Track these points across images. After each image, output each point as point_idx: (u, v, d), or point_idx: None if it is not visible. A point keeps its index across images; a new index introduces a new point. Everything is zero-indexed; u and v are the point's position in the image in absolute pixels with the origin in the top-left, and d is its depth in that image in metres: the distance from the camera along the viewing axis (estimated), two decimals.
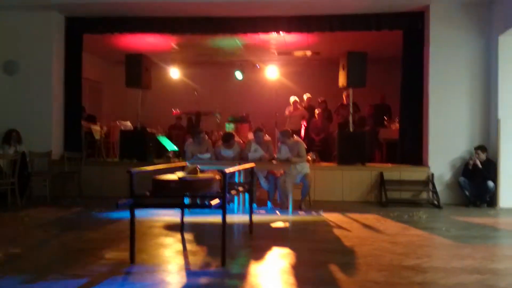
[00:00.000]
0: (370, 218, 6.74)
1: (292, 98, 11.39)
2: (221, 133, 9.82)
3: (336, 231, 5.84)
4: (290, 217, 6.80)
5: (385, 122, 10.54)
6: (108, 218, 6.57)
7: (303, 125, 11.46)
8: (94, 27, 9.33)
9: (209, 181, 4.48)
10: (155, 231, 5.73)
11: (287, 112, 11.40)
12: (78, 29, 9.37)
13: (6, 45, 8.96)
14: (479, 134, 8.27)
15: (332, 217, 6.79)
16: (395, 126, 9.84)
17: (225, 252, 4.17)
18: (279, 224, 6.36)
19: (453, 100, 8.33)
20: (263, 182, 7.69)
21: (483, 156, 7.88)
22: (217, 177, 4.49)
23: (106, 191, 8.55)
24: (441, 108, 8.35)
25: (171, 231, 5.73)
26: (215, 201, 4.06)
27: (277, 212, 7.17)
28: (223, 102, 13.00)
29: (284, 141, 7.50)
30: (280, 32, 9.33)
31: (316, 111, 11.35)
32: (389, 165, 8.97)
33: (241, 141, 8.24)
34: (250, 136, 8.12)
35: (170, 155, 9.83)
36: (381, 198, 8.19)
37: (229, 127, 10.69)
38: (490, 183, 7.75)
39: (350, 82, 8.66)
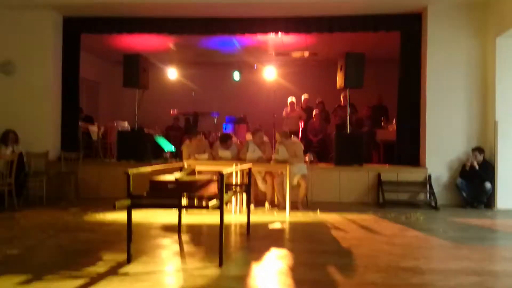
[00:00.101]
0: (368, 219, 6.75)
1: (289, 99, 11.40)
2: (219, 133, 9.83)
3: (334, 232, 5.84)
4: (288, 218, 6.79)
5: (383, 123, 10.55)
6: (105, 219, 6.55)
7: (300, 126, 11.47)
8: (91, 27, 9.31)
9: (207, 182, 4.48)
10: (152, 232, 5.72)
11: (284, 113, 11.41)
12: (75, 29, 9.34)
13: (3, 45, 8.92)
14: (476, 135, 8.28)
15: (330, 218, 6.79)
16: (393, 127, 9.85)
17: (222, 253, 4.17)
18: (277, 225, 6.35)
19: (450, 101, 8.34)
20: (260, 183, 7.69)
21: (480, 157, 7.89)
22: (215, 178, 4.49)
23: (103, 191, 8.53)
24: (439, 109, 8.36)
25: (168, 232, 5.72)
26: (213, 202, 4.06)
27: (275, 213, 7.16)
28: (221, 103, 13.02)
29: (282, 141, 7.50)
30: (278, 33, 9.34)
31: (314, 112, 11.36)
32: (387, 166, 8.97)
33: (239, 142, 8.24)
34: (248, 136, 8.12)
35: (167, 155, 9.83)
36: (379, 199, 8.19)
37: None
38: (488, 185, 7.76)
39: (347, 83, 8.66)
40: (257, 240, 5.43)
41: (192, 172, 4.98)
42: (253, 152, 7.54)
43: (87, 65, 11.02)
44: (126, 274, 3.95)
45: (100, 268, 4.12)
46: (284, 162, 7.26)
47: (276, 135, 7.71)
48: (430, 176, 8.26)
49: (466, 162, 7.98)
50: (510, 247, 5.35)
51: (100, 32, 9.52)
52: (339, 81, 8.92)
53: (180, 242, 5.24)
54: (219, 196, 4.16)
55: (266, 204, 7.62)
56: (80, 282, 3.72)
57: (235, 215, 6.95)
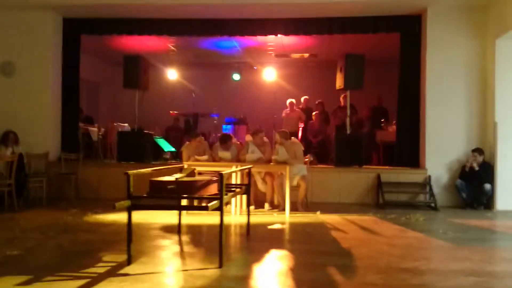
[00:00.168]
0: (368, 220, 6.75)
1: (289, 100, 11.41)
2: (219, 134, 9.83)
3: (333, 233, 5.84)
4: (288, 219, 6.79)
5: (382, 124, 10.55)
6: (105, 219, 6.55)
7: (300, 127, 11.47)
8: (91, 28, 9.32)
9: (206, 183, 4.48)
10: (152, 233, 5.72)
11: (283, 114, 11.42)
12: (75, 30, 9.35)
13: (3, 45, 8.93)
14: (476, 136, 8.29)
15: (330, 219, 6.79)
16: (392, 128, 9.85)
17: (222, 254, 4.17)
18: (276, 226, 6.35)
19: (450, 102, 8.35)
20: (260, 184, 7.69)
21: (480, 158, 7.90)
22: (214, 178, 4.49)
23: (103, 192, 8.53)
24: (438, 110, 8.36)
25: (168, 233, 5.72)
26: (212, 203, 4.06)
27: (274, 214, 7.16)
28: (221, 104, 13.02)
29: (282, 142, 7.50)
30: (278, 34, 9.35)
31: (314, 113, 11.36)
32: (386, 167, 8.98)
33: (239, 143, 8.24)
34: (248, 137, 8.13)
35: (167, 156, 9.83)
36: (378, 200, 8.20)
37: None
38: (487, 186, 7.77)
39: (347, 84, 8.67)
40: (257, 241, 5.43)
41: (192, 173, 4.98)
42: (253, 153, 7.54)
43: (87, 66, 11.02)
44: (126, 275, 3.95)
45: (100, 269, 4.12)
46: (284, 163, 7.26)
47: (275, 136, 7.70)
48: (430, 177, 8.27)
49: (466, 163, 7.99)
50: (509, 248, 5.35)
51: (100, 33, 9.53)
52: (339, 82, 8.93)
53: (180, 243, 5.24)
54: (219, 197, 4.16)
55: (266, 205, 7.62)
56: (80, 283, 3.71)
57: (235, 216, 6.95)
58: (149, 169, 4.91)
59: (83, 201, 8.14)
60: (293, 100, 11.43)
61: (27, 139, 8.37)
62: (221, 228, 4.16)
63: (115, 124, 10.65)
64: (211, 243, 5.07)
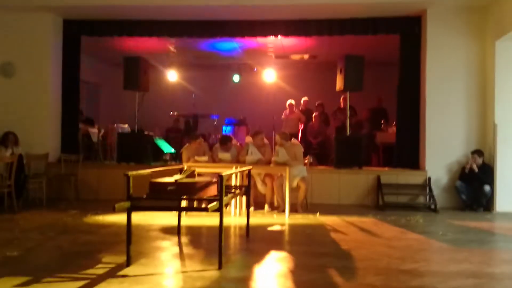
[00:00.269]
0: (367, 221, 6.75)
1: (288, 101, 11.42)
2: (218, 135, 9.84)
3: (333, 235, 5.84)
4: (287, 220, 6.79)
5: (382, 126, 10.56)
6: (105, 220, 6.55)
7: (300, 128, 11.48)
8: (91, 29, 9.32)
9: (206, 184, 4.48)
10: (152, 234, 5.72)
11: (283, 116, 11.43)
12: (75, 32, 9.35)
13: (3, 47, 8.93)
14: (475, 138, 8.29)
15: (329, 220, 6.79)
16: (392, 129, 9.86)
17: (221, 256, 4.17)
18: (276, 228, 6.36)
19: (450, 104, 8.35)
20: (260, 185, 7.69)
21: (479, 160, 7.90)
22: (214, 180, 4.49)
23: (103, 193, 8.54)
24: (438, 112, 8.36)
25: (167, 234, 5.72)
26: (212, 204, 4.06)
27: (274, 215, 7.16)
28: (221, 105, 13.03)
29: (282, 143, 7.50)
30: (278, 36, 9.36)
31: (314, 114, 11.37)
32: (386, 168, 8.98)
33: (239, 144, 8.24)
34: (248, 139, 8.13)
35: (167, 157, 9.83)
36: (378, 202, 8.20)
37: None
38: (487, 187, 7.76)
39: (347, 86, 8.67)
40: (256, 242, 5.43)
41: (192, 174, 4.98)
42: (252, 154, 7.54)
43: (87, 68, 11.03)
44: (125, 276, 3.95)
45: (99, 270, 4.12)
46: (283, 164, 7.26)
47: (276, 137, 7.70)
48: (429, 179, 8.27)
49: (466, 165, 7.98)
50: (509, 249, 5.35)
51: (100, 34, 9.51)
52: (339, 83, 8.93)
53: (179, 244, 5.24)
54: (219, 198, 4.17)
55: (266, 206, 7.62)
56: (79, 284, 3.72)
57: (235, 217, 6.95)
58: (149, 170, 4.92)
59: (82, 202, 8.14)
60: (293, 102, 11.45)
61: (27, 140, 8.38)
62: (221, 229, 4.16)
63: (115, 125, 10.65)
64: (210, 245, 5.07)
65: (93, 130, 10.28)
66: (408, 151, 8.76)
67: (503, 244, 5.71)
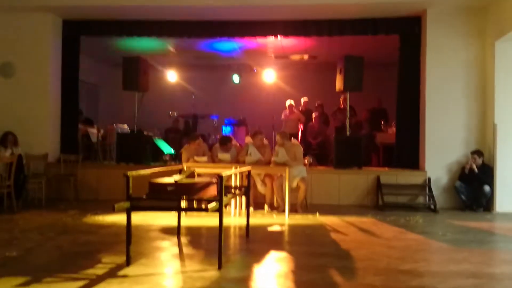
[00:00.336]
0: (367, 222, 6.75)
1: (288, 102, 11.42)
2: (218, 136, 9.84)
3: (333, 235, 5.84)
4: (287, 220, 6.79)
5: (382, 126, 10.55)
6: (105, 221, 6.55)
7: (299, 129, 11.48)
8: (91, 29, 9.31)
9: (206, 185, 4.48)
10: (152, 235, 5.72)
11: (283, 116, 11.43)
12: (75, 32, 9.35)
13: (3, 47, 8.93)
14: (475, 138, 8.29)
15: (329, 220, 6.79)
16: (392, 130, 9.86)
17: (221, 256, 4.17)
18: (276, 228, 6.35)
19: (449, 104, 8.35)
20: (260, 186, 7.69)
21: (479, 160, 7.90)
22: (214, 180, 4.49)
23: (103, 194, 8.53)
24: (438, 112, 8.37)
25: (167, 234, 5.71)
26: (212, 205, 4.06)
27: (274, 215, 7.16)
28: (220, 106, 13.03)
29: (283, 143, 7.49)
30: (278, 36, 9.36)
31: (313, 115, 11.37)
32: (386, 169, 8.98)
33: (238, 144, 8.24)
34: (248, 139, 8.14)
35: (167, 158, 9.82)
36: (378, 202, 8.20)
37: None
38: (487, 188, 7.76)
39: (347, 86, 8.67)
40: (256, 242, 5.43)
41: (192, 175, 4.98)
42: (252, 154, 7.54)
43: (86, 68, 11.03)
44: (125, 276, 3.95)
45: (99, 270, 4.12)
46: (283, 164, 7.26)
47: (276, 137, 7.70)
48: (429, 179, 8.27)
49: (465, 165, 7.98)
50: (509, 250, 5.35)
51: (100, 34, 9.51)
52: (339, 84, 8.93)
53: (179, 244, 5.24)
54: (219, 198, 4.16)
55: (266, 206, 7.62)
56: (79, 284, 3.72)
57: (235, 217, 6.95)
58: (148, 171, 4.92)
59: (82, 203, 8.13)
60: (293, 102, 11.45)
61: (26, 140, 8.37)
62: (221, 229, 4.16)
63: (114, 125, 10.65)
64: (210, 245, 5.08)
65: (93, 130, 10.28)
66: (407, 151, 8.76)
67: (503, 245, 5.71)
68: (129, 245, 4.24)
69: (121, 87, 9.21)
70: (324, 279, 3.94)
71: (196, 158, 7.60)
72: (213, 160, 7.74)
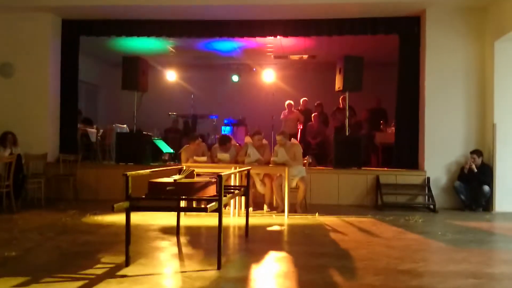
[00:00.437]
0: (366, 221, 6.75)
1: (287, 102, 11.42)
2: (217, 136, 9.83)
3: (332, 235, 5.84)
4: (286, 220, 6.79)
5: (381, 126, 10.55)
6: (104, 221, 6.55)
7: (299, 129, 11.48)
8: (90, 29, 9.33)
9: (205, 184, 4.48)
10: (151, 235, 5.71)
11: (282, 116, 11.43)
12: (74, 32, 9.35)
13: (2, 47, 8.93)
14: (474, 138, 8.30)
15: (328, 220, 6.79)
16: (391, 130, 9.86)
17: (221, 256, 4.17)
18: (275, 228, 6.35)
19: (449, 104, 8.36)
20: (259, 185, 7.69)
21: (478, 160, 7.90)
22: (213, 180, 4.48)
23: (102, 193, 8.53)
24: (437, 112, 8.37)
25: (166, 234, 5.71)
26: (211, 204, 4.06)
27: (273, 215, 7.16)
28: (220, 105, 13.03)
29: (283, 143, 7.49)
30: (277, 36, 9.36)
31: (313, 114, 11.36)
32: (385, 169, 8.98)
33: (238, 144, 8.23)
34: (247, 139, 8.14)
35: (166, 158, 9.82)
36: (377, 202, 8.20)
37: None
38: (486, 188, 7.77)
39: (346, 86, 8.67)
40: (255, 242, 5.43)
41: (191, 175, 4.98)
42: (252, 154, 7.54)
43: (86, 68, 11.03)
44: (124, 276, 3.94)
45: (98, 270, 4.11)
46: (283, 164, 7.26)
47: (277, 137, 7.70)
48: (428, 179, 8.27)
49: (465, 165, 7.99)
50: (508, 250, 5.35)
51: (99, 34, 9.52)
52: (338, 84, 8.93)
53: (178, 244, 5.23)
54: (218, 198, 4.16)
55: (265, 206, 7.62)
56: (78, 284, 3.71)
57: (234, 217, 6.95)
58: (148, 171, 4.92)
59: (81, 202, 8.13)
60: (292, 102, 11.45)
61: (26, 140, 8.37)
62: (220, 229, 4.15)
63: (113, 125, 10.65)
64: (209, 245, 5.07)
65: (92, 130, 10.28)
66: (407, 151, 8.76)
67: (502, 244, 5.71)
68: (128, 245, 4.24)
69: (121, 87, 9.20)
70: (323, 279, 3.94)
71: (195, 158, 7.60)
72: (213, 160, 7.73)
